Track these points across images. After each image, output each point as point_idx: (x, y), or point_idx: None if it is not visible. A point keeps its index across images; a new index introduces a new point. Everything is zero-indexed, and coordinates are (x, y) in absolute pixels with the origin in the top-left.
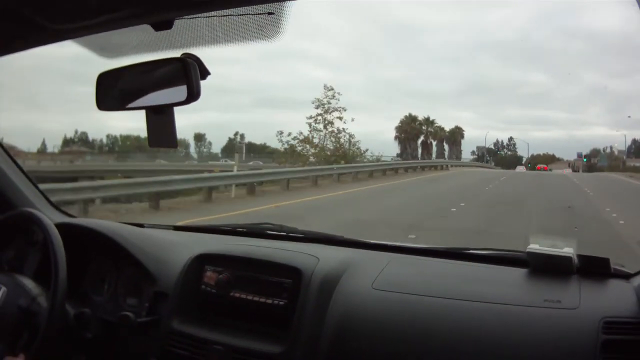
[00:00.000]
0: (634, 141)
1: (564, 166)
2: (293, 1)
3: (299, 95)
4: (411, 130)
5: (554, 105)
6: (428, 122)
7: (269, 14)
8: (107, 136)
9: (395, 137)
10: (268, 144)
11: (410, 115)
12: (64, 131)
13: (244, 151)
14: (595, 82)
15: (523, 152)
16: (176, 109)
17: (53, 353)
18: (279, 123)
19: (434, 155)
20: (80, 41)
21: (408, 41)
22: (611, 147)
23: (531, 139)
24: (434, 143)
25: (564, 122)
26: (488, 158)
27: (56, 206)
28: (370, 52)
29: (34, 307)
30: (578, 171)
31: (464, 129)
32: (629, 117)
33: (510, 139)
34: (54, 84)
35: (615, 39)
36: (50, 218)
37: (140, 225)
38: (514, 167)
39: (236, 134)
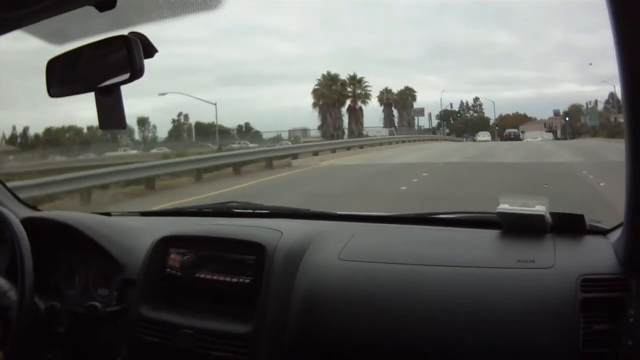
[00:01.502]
0: (612, 95)
1: (539, 127)
2: None
3: (266, 70)
4: (331, 94)
5: (521, 64)
6: (354, 80)
7: None
8: (46, 130)
9: (314, 105)
10: (223, 124)
11: (328, 74)
12: (31, 126)
13: (193, 133)
14: (562, 38)
15: (492, 113)
16: (139, 93)
17: (27, 348)
18: (247, 100)
19: (374, 126)
20: (29, 30)
21: (370, 8)
22: (597, 102)
23: (500, 99)
24: (383, 109)
25: (532, 80)
26: (450, 122)
27: (22, 201)
28: (332, 22)
29: (4, 301)
30: (557, 135)
31: (426, 91)
32: (590, 64)
33: (476, 99)
34: (17, 79)
35: None
36: (16, 213)
37: (107, 214)
38: (475, 135)
39: (179, 114)
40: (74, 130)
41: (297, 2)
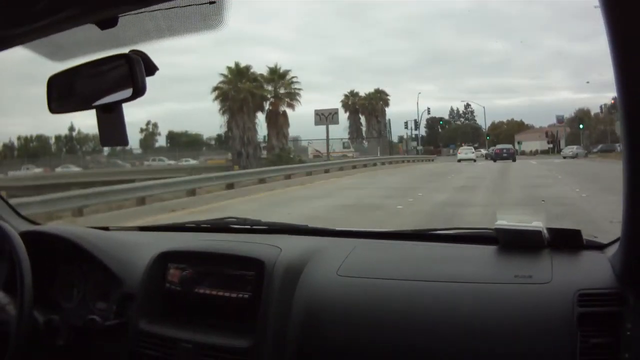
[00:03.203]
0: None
1: (538, 137)
2: None
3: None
4: (238, 94)
5: (516, 72)
6: (276, 75)
7: (210, 3)
8: (18, 138)
9: (220, 110)
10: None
11: (236, 66)
12: (26, 133)
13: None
14: (557, 46)
15: (484, 120)
16: (131, 103)
17: None
18: None
19: (324, 138)
20: (30, 46)
21: (362, 18)
22: (613, 104)
23: (494, 106)
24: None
25: (526, 88)
26: (416, 135)
27: (22, 215)
28: (324, 32)
29: (2, 315)
30: (559, 145)
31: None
32: (588, 82)
33: (467, 106)
34: (12, 86)
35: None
36: (15, 227)
37: (106, 229)
38: (453, 152)
39: (148, 123)
40: (41, 140)
41: (288, 13)
